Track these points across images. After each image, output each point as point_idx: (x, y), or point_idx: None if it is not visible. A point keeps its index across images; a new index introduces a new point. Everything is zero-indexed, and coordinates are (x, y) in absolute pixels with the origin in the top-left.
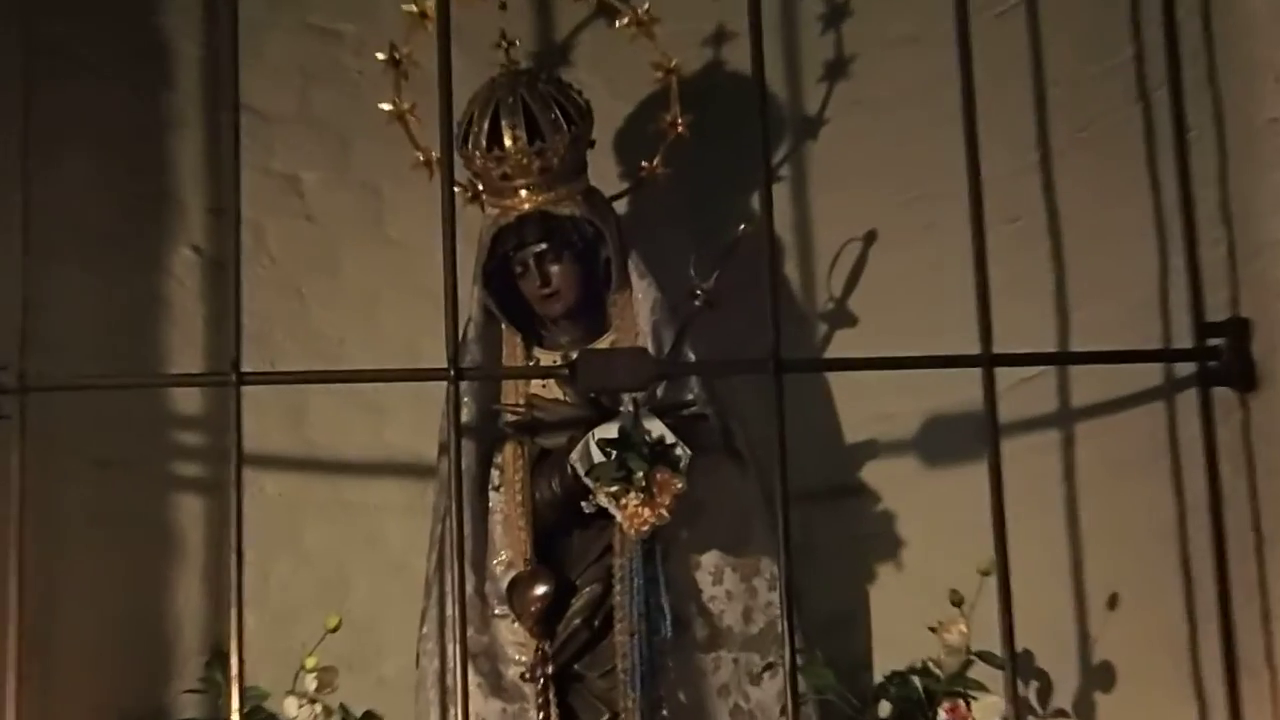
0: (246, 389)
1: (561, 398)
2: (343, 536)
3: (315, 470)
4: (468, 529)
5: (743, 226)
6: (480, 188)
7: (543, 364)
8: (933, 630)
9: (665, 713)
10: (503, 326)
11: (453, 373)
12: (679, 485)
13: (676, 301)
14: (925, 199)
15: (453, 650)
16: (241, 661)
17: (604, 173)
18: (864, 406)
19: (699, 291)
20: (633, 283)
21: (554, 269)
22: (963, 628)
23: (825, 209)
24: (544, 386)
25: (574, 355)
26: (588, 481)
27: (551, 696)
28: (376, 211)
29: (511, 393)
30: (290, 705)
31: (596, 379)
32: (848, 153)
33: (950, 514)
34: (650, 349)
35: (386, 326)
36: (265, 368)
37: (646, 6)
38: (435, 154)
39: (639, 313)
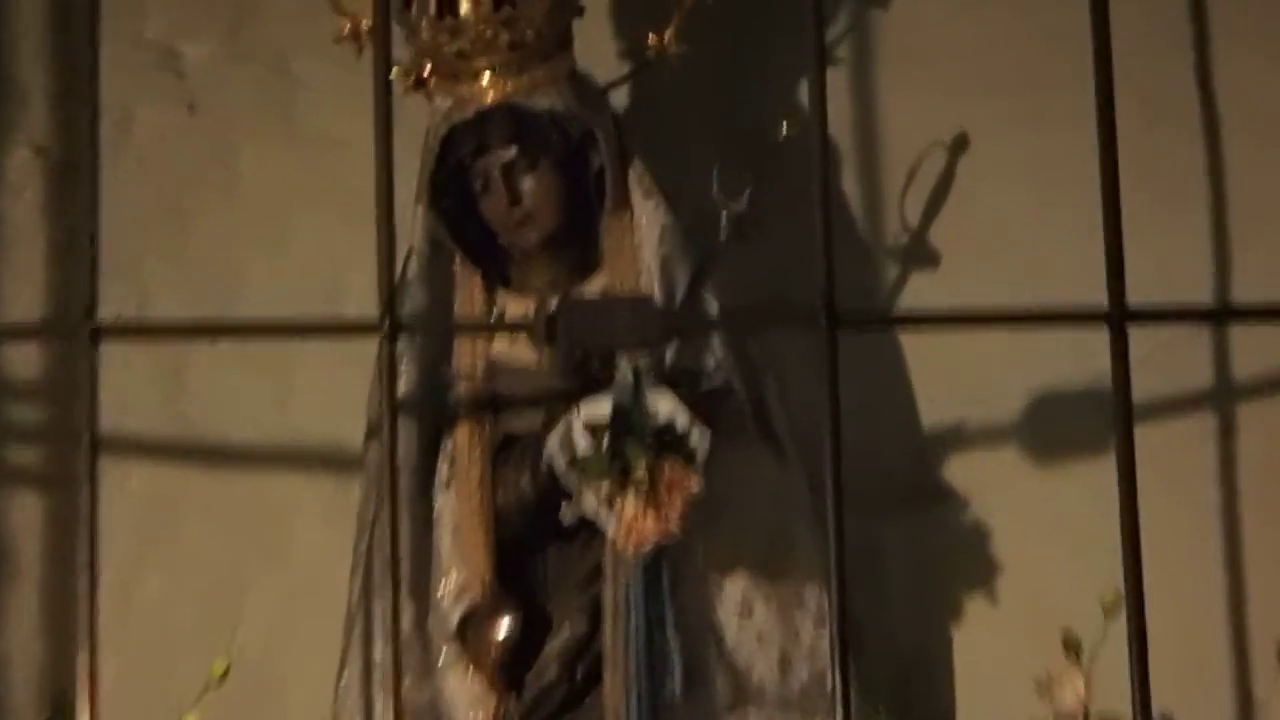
0: (105, 345)
1: (535, 362)
2: (234, 548)
3: (197, 458)
4: (406, 542)
5: (785, 127)
6: (428, 70)
7: (510, 314)
8: (1039, 685)
9: None
10: (456, 262)
11: (386, 325)
12: (694, 485)
13: (694, 229)
14: (1035, 90)
15: (383, 707)
16: (94, 717)
17: (597, 53)
18: (949, 378)
19: (725, 215)
20: (634, 203)
21: (527, 182)
22: (1079, 682)
23: (897, 103)
24: (512, 345)
25: (553, 303)
26: (569, 479)
27: None
28: (285, 100)
29: (468, 354)
30: None
31: (584, 336)
32: (929, 26)
33: (1064, 525)
34: (658, 294)
35: (297, 258)
36: (131, 314)
37: None
38: (366, 23)
39: (642, 244)
